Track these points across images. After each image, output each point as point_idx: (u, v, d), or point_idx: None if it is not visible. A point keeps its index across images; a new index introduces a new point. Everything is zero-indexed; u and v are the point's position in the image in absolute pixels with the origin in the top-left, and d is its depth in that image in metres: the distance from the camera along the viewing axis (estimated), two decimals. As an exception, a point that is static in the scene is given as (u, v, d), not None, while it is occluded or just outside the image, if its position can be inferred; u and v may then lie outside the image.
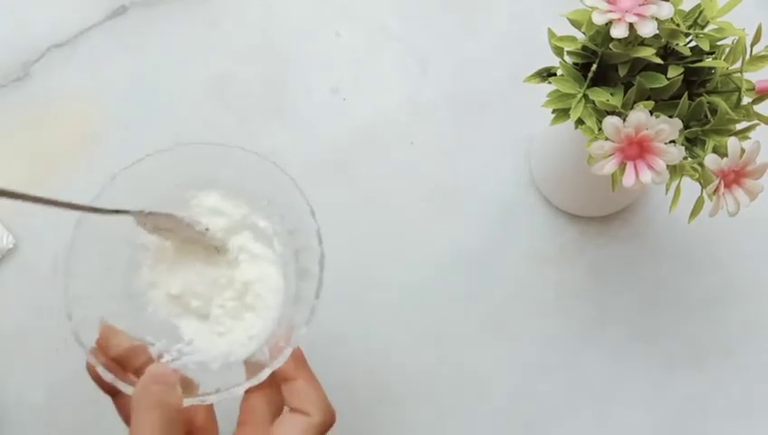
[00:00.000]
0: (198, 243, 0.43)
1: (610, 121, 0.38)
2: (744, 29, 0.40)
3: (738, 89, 0.40)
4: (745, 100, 0.40)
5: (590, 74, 0.41)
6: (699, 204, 0.40)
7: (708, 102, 0.40)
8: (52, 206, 0.35)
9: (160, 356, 0.40)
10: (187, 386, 0.38)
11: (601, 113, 0.40)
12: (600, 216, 0.55)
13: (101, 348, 0.38)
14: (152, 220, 0.40)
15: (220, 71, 0.59)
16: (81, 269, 0.39)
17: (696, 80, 0.41)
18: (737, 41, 0.40)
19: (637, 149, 0.38)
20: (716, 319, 0.54)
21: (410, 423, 0.52)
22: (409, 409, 0.52)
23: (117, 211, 0.38)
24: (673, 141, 0.38)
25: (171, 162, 0.41)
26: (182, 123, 0.57)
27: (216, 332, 0.42)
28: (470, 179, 0.57)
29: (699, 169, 0.39)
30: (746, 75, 0.40)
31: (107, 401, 0.52)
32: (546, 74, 0.42)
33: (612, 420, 0.52)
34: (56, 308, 0.53)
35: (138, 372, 0.38)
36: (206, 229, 0.42)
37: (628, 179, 0.38)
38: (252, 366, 0.39)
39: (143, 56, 0.59)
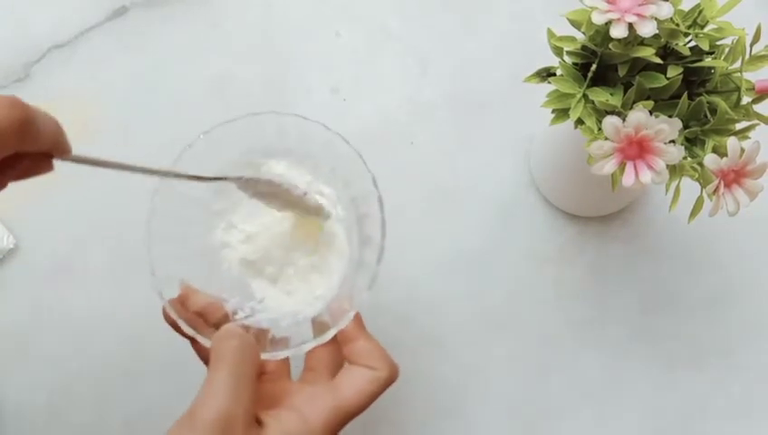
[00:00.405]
0: (297, 206, 0.45)
1: (610, 121, 0.38)
2: (743, 29, 0.40)
3: (738, 88, 0.40)
4: (745, 99, 0.40)
5: (590, 74, 0.40)
6: (699, 204, 0.40)
7: (708, 102, 0.39)
8: (154, 175, 0.38)
9: (235, 313, 0.43)
10: (259, 339, 0.41)
11: (601, 113, 0.40)
12: (599, 216, 0.55)
13: (181, 304, 0.41)
14: (253, 186, 0.43)
15: (220, 71, 0.59)
16: (161, 231, 0.41)
17: (695, 79, 0.41)
18: (737, 40, 0.40)
19: (636, 149, 0.38)
20: (716, 319, 0.54)
21: (410, 423, 0.52)
22: (409, 408, 0.52)
23: (218, 178, 0.41)
24: (673, 141, 0.38)
25: (240, 130, 0.43)
26: (182, 123, 0.57)
27: (285, 290, 0.45)
28: (470, 179, 0.57)
29: (699, 168, 0.39)
30: (746, 75, 0.40)
31: (106, 402, 0.52)
32: (546, 74, 0.42)
33: (612, 420, 0.52)
34: (56, 308, 0.54)
35: (215, 327, 0.40)
36: (305, 193, 0.44)
37: (628, 179, 0.38)
38: (318, 325, 0.42)
39: (143, 56, 0.59)
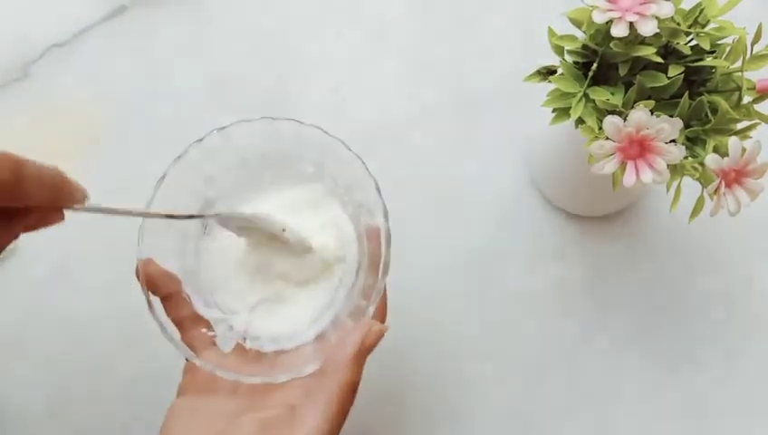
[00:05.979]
0: (277, 241, 0.43)
1: (611, 121, 0.37)
2: (744, 28, 0.40)
3: (739, 88, 0.40)
4: (746, 99, 0.40)
5: (591, 73, 0.40)
6: (700, 204, 0.40)
7: (709, 102, 0.39)
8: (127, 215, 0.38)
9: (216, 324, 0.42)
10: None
11: (602, 112, 0.40)
12: (600, 215, 0.55)
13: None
14: (231, 221, 0.42)
15: (220, 71, 0.59)
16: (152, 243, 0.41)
17: (696, 79, 0.41)
18: (738, 40, 0.40)
19: (637, 149, 0.38)
20: (716, 319, 0.54)
21: (410, 423, 0.52)
22: (409, 409, 0.52)
23: (192, 216, 0.41)
24: (673, 141, 0.38)
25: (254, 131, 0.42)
26: (182, 123, 0.57)
27: (270, 314, 0.44)
28: (470, 179, 0.57)
29: (700, 168, 0.39)
30: (747, 74, 0.40)
31: (105, 402, 0.52)
32: (546, 73, 0.42)
33: (612, 420, 0.52)
34: (55, 308, 0.54)
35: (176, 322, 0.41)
36: (283, 230, 0.43)
37: (629, 179, 0.38)
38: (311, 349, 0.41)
39: (143, 56, 0.59)
